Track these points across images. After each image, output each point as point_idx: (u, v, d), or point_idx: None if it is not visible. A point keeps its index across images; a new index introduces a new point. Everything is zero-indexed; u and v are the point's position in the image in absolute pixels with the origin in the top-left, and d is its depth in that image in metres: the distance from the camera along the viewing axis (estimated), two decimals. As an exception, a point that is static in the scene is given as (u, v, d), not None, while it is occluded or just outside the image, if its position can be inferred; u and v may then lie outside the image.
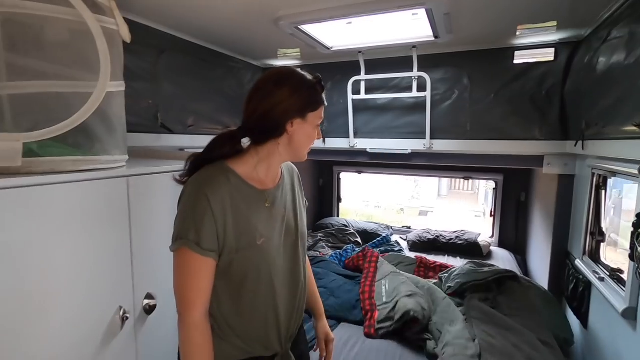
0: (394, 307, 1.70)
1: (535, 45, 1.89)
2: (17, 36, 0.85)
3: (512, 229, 3.06)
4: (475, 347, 1.45)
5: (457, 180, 11.64)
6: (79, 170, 0.96)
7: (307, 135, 0.90)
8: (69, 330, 0.95)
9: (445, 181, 11.36)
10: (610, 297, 1.34)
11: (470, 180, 11.25)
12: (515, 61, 1.94)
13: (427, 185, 10.78)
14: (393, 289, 1.83)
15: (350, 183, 8.75)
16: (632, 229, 1.12)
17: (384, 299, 1.80)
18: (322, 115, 0.92)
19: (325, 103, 0.92)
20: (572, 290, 1.78)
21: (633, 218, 1.15)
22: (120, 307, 1.10)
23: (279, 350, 0.93)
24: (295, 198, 1.02)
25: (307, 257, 1.06)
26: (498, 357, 1.39)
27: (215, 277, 0.85)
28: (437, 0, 1.38)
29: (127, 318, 1.11)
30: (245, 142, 0.90)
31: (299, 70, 0.89)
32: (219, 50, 2.12)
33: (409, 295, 1.72)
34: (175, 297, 0.82)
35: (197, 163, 0.88)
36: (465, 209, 9.79)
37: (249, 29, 1.78)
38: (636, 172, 1.18)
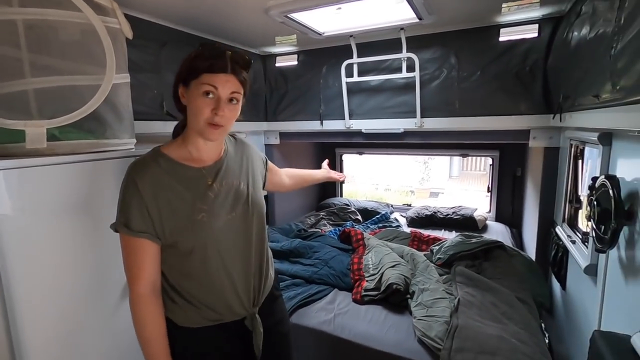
0: (380, 278, 1.84)
1: (520, 22, 1.94)
2: (38, 39, 1.00)
3: (508, 203, 3.14)
4: (444, 309, 1.59)
5: (468, 160, 11.53)
6: (94, 151, 1.13)
7: (195, 106, 0.85)
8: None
9: (456, 162, 11.29)
10: (578, 258, 1.46)
11: (482, 160, 11.18)
12: (501, 39, 2.00)
13: (438, 167, 10.75)
14: (379, 260, 1.97)
15: (359, 166, 8.85)
16: (588, 191, 1.22)
17: (371, 271, 1.94)
18: (212, 83, 0.83)
19: (214, 71, 0.83)
20: (553, 257, 1.89)
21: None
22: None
23: (245, 314, 0.97)
24: (246, 168, 1.03)
25: (265, 223, 1.05)
26: (475, 311, 1.53)
27: (168, 254, 0.88)
28: (412, -15, 1.46)
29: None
30: None
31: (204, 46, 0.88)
32: (217, 40, 2.24)
33: (393, 266, 1.86)
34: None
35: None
36: (476, 189, 9.77)
37: (242, 19, 1.89)
38: (596, 140, 1.28)
